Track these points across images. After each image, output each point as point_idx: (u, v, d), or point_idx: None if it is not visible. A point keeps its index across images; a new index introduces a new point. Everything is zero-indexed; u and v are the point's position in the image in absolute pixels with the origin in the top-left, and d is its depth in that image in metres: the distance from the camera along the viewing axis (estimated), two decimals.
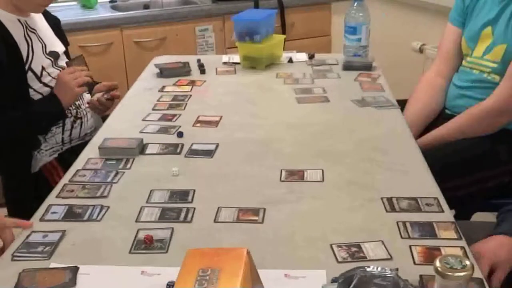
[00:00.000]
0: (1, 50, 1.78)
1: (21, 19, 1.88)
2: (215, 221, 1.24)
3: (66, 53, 2.08)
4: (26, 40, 1.87)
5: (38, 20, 1.98)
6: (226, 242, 1.17)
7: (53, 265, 1.10)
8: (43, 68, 1.90)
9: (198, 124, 1.76)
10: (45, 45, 1.94)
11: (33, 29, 1.91)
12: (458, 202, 1.70)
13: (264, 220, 1.25)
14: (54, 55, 1.96)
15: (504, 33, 1.84)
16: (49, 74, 1.92)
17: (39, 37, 1.93)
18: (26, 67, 1.85)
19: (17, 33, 1.84)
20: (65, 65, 1.99)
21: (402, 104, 1.96)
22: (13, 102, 1.82)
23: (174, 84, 2.09)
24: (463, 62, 2.02)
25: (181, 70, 2.20)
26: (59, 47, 2.02)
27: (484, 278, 1.06)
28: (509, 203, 1.52)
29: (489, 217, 2.13)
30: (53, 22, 2.07)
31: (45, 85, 1.90)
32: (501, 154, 1.81)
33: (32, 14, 1.94)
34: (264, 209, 1.28)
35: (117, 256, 1.14)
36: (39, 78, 1.88)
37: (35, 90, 1.87)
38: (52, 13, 2.10)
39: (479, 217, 1.92)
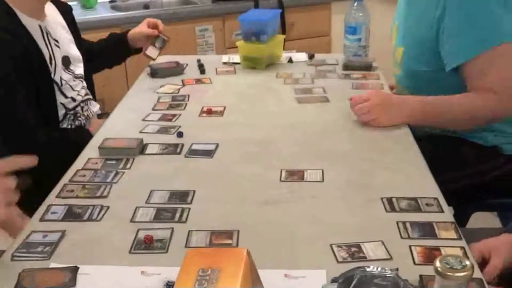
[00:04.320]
0: (33, 60, 1.74)
1: (41, 25, 1.81)
2: (215, 221, 1.24)
3: (81, 49, 2.02)
4: (48, 49, 1.81)
5: (53, 18, 1.91)
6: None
7: (53, 265, 1.10)
8: (61, 78, 1.86)
9: (204, 115, 1.81)
10: (60, 50, 1.88)
11: (50, 33, 1.85)
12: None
13: (264, 220, 1.25)
14: (66, 61, 1.92)
15: (404, 34, 1.80)
16: (67, 83, 1.88)
17: (56, 41, 1.87)
18: (52, 80, 1.82)
19: (41, 43, 1.79)
20: (79, 70, 1.96)
21: None
22: (45, 120, 1.80)
23: (177, 84, 2.10)
24: None
25: (174, 70, 2.19)
26: (72, 49, 1.97)
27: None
28: (508, 203, 1.53)
29: (489, 217, 2.14)
30: (65, 11, 2.01)
31: (65, 97, 1.87)
32: (467, 156, 1.78)
33: (48, 14, 1.88)
34: (264, 210, 1.28)
35: (117, 256, 1.14)
36: (61, 90, 1.85)
37: (62, 104, 1.86)
38: None
39: (478, 217, 1.92)
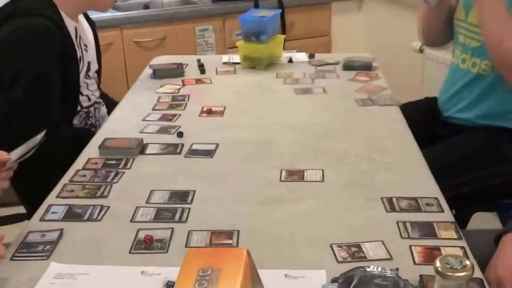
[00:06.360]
0: (69, 55, 1.79)
1: (76, 27, 1.87)
2: (215, 221, 1.24)
3: (98, 59, 2.08)
4: (79, 50, 1.87)
5: (84, 26, 1.98)
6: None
7: (53, 264, 1.10)
8: (82, 79, 1.91)
9: (204, 115, 1.82)
10: (88, 55, 1.94)
11: (82, 37, 1.91)
12: (463, 200, 1.68)
13: (264, 220, 1.25)
14: (89, 66, 1.96)
15: None
16: (85, 83, 1.92)
17: (86, 45, 1.92)
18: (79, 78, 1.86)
19: (75, 44, 1.85)
20: (95, 76, 2.01)
21: (402, 105, 1.95)
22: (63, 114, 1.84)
23: (177, 84, 2.10)
24: (455, 50, 1.94)
25: (174, 72, 2.19)
26: (93, 58, 2.02)
27: None
28: (508, 203, 1.52)
29: (489, 217, 2.14)
30: (92, 25, 2.08)
31: (81, 94, 1.91)
32: (507, 152, 1.76)
33: (81, 22, 1.94)
34: (264, 210, 1.28)
35: (117, 256, 1.14)
36: (80, 91, 1.90)
37: (79, 103, 1.90)
38: None
39: (478, 217, 1.92)
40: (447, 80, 2.01)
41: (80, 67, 1.87)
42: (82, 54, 1.89)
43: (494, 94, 1.81)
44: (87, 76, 1.95)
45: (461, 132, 1.84)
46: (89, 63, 1.95)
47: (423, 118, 1.99)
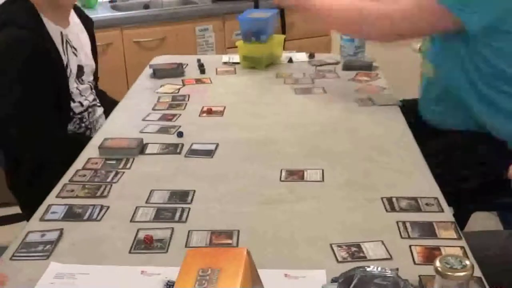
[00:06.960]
0: (53, 63, 1.79)
1: (63, 32, 1.86)
2: (214, 221, 1.24)
3: (95, 59, 2.07)
4: (65, 56, 1.86)
5: (76, 26, 1.97)
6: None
7: (53, 264, 1.10)
8: (73, 85, 1.90)
9: (204, 115, 1.81)
10: (77, 59, 1.93)
11: (70, 41, 1.89)
12: (462, 197, 1.68)
13: (264, 220, 1.25)
14: (80, 70, 1.95)
15: None
16: (77, 89, 1.92)
17: (75, 49, 1.91)
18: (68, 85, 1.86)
19: (60, 49, 1.84)
20: (89, 79, 1.99)
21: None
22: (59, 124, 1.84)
23: (177, 84, 2.10)
24: None
25: (175, 71, 2.19)
26: (88, 59, 2.01)
27: None
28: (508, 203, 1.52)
29: (489, 217, 2.14)
30: (87, 24, 2.07)
31: (73, 101, 1.90)
32: (481, 153, 1.74)
33: (72, 22, 1.93)
34: (264, 210, 1.28)
35: (117, 256, 1.14)
36: (71, 96, 1.89)
37: (71, 109, 1.90)
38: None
39: (478, 216, 1.92)
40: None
41: (68, 73, 1.86)
42: (69, 60, 1.87)
43: (447, 98, 1.78)
44: (80, 81, 1.94)
45: (437, 134, 1.82)
46: (81, 67, 1.94)
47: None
